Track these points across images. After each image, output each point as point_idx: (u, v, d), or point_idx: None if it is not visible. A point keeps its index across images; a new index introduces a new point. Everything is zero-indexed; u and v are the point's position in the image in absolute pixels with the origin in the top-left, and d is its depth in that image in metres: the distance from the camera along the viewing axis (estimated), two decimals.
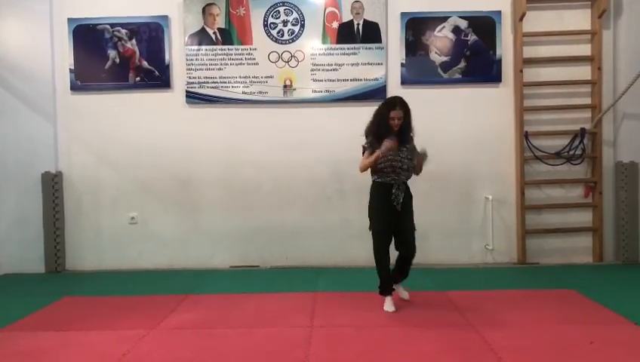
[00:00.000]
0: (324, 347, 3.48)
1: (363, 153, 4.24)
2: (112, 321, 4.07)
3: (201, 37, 5.80)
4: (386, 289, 4.23)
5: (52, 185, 5.79)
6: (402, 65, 5.80)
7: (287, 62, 5.81)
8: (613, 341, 3.48)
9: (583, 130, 5.74)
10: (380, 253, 4.19)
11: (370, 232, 4.25)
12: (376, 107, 5.75)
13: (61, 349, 3.54)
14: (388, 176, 4.12)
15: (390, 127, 4.10)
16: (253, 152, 5.86)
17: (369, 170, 4.22)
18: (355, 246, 5.84)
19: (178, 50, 5.84)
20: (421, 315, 4.05)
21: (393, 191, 4.09)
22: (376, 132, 4.16)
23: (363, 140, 5.72)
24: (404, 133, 4.15)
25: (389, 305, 4.16)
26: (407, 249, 4.17)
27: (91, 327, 3.95)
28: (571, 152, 5.77)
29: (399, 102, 4.12)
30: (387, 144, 3.98)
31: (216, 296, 4.79)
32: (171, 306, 4.41)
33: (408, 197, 4.21)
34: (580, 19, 5.80)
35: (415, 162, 4.17)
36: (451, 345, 3.48)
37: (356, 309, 4.25)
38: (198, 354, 3.43)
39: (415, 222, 4.27)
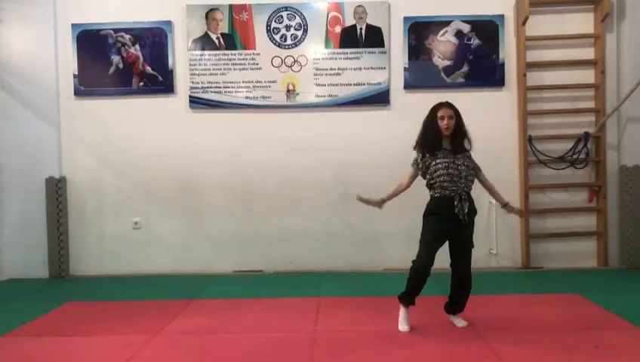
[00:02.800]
0: (327, 352, 3.47)
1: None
2: (116, 326, 4.07)
3: (205, 42, 5.82)
4: (405, 300, 3.88)
5: (56, 190, 5.80)
6: (405, 69, 5.81)
7: (290, 66, 5.82)
8: (618, 345, 3.46)
9: (586, 133, 5.73)
10: (419, 262, 3.74)
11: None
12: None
13: (65, 354, 3.54)
14: (446, 190, 3.70)
15: (440, 130, 3.74)
16: (257, 157, 5.87)
17: (425, 183, 3.86)
18: (359, 251, 5.85)
19: (181, 55, 5.86)
20: (425, 320, 4.03)
21: (455, 203, 3.66)
22: (426, 139, 3.80)
23: (368, 146, 5.81)
24: (457, 139, 3.78)
25: (403, 323, 3.85)
26: (461, 271, 3.79)
27: (95, 332, 3.95)
28: (575, 156, 5.76)
29: (447, 103, 3.82)
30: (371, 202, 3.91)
31: (219, 301, 4.78)
32: (175, 311, 4.41)
33: (472, 210, 3.78)
34: (582, 22, 5.80)
35: (473, 171, 3.83)
36: (455, 350, 3.46)
37: (360, 314, 4.24)
38: (202, 359, 3.42)
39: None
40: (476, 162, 3.93)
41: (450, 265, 3.86)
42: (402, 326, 3.85)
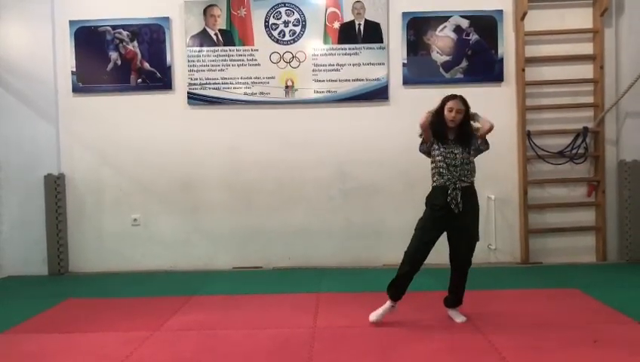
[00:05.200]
0: (327, 347, 3.48)
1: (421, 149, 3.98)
2: (116, 323, 4.07)
3: (203, 38, 5.80)
4: (392, 290, 3.87)
5: (54, 187, 5.80)
6: (404, 65, 5.80)
7: (289, 62, 5.81)
8: (617, 340, 3.47)
9: (585, 128, 5.73)
10: (407, 250, 3.83)
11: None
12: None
13: (65, 351, 3.54)
14: (442, 177, 3.78)
15: (446, 121, 3.78)
16: (256, 153, 5.86)
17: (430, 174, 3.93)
18: (358, 246, 5.85)
19: (179, 51, 5.85)
20: (424, 315, 4.04)
21: (449, 191, 3.73)
22: (433, 127, 3.84)
23: (367, 142, 5.80)
24: (463, 132, 3.83)
25: (378, 313, 3.88)
26: (458, 258, 3.86)
27: (95, 329, 3.95)
28: (574, 151, 5.76)
29: (460, 96, 3.84)
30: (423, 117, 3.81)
31: (219, 297, 4.79)
32: (174, 308, 4.42)
33: (471, 202, 3.81)
34: (581, 17, 5.79)
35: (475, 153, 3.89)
36: (454, 345, 3.47)
37: (359, 310, 4.23)
38: (202, 355, 3.43)
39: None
40: (481, 147, 3.94)
41: (450, 259, 3.90)
42: (373, 316, 3.89)
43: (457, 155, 3.80)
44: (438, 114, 3.86)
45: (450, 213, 3.76)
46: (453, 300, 3.99)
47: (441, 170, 3.81)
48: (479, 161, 3.99)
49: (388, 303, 3.91)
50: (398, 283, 3.87)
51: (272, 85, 5.81)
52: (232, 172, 5.88)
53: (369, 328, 3.83)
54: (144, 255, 5.92)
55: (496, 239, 5.78)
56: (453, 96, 3.84)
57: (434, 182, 3.89)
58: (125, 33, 5.84)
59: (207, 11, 5.78)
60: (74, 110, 5.89)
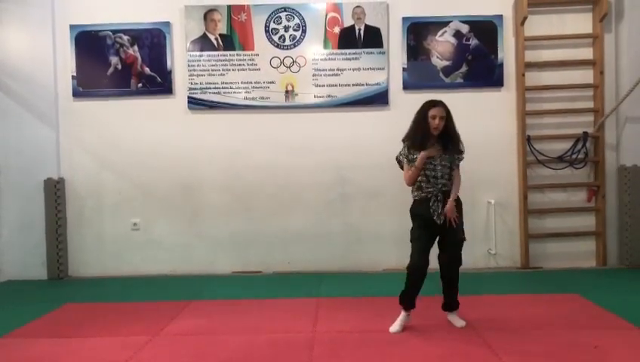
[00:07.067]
0: (327, 352, 3.47)
1: (398, 164, 4.01)
2: (115, 328, 4.06)
3: (203, 43, 5.81)
4: (405, 301, 3.88)
5: (54, 191, 5.79)
6: (404, 69, 5.81)
7: (289, 67, 5.82)
8: (617, 345, 3.47)
9: (585, 133, 5.73)
10: (410, 262, 3.81)
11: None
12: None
13: (64, 356, 3.54)
14: (422, 191, 3.81)
15: (429, 129, 3.75)
16: (256, 157, 5.86)
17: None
18: (358, 251, 5.85)
19: (180, 56, 5.86)
20: (424, 320, 4.03)
21: (430, 203, 3.77)
22: (414, 136, 3.83)
23: (367, 146, 5.80)
24: (446, 139, 3.80)
25: (396, 325, 3.84)
26: (447, 257, 3.87)
27: (94, 334, 3.95)
28: (574, 156, 5.76)
29: (440, 102, 3.80)
30: (426, 152, 3.75)
31: (218, 301, 4.78)
32: (174, 312, 4.41)
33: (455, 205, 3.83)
34: (581, 22, 5.80)
35: (454, 173, 3.88)
36: (454, 350, 3.47)
37: (359, 314, 4.24)
38: (201, 360, 3.42)
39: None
40: (460, 163, 3.96)
41: (439, 259, 3.93)
42: (393, 327, 3.85)
43: (437, 166, 3.79)
44: (419, 122, 3.82)
45: (435, 222, 3.80)
46: (449, 303, 4.01)
47: (421, 183, 3.82)
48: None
49: (403, 313, 3.90)
50: (410, 294, 3.88)
51: (273, 90, 5.82)
52: (231, 176, 5.88)
53: (368, 333, 3.82)
54: (144, 259, 5.91)
55: (497, 244, 5.78)
56: (434, 103, 3.81)
57: (415, 195, 3.89)
58: (126, 38, 5.85)
59: (207, 16, 5.79)
60: (74, 114, 5.89)
